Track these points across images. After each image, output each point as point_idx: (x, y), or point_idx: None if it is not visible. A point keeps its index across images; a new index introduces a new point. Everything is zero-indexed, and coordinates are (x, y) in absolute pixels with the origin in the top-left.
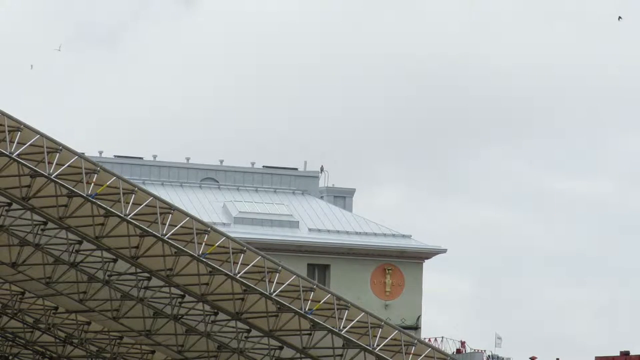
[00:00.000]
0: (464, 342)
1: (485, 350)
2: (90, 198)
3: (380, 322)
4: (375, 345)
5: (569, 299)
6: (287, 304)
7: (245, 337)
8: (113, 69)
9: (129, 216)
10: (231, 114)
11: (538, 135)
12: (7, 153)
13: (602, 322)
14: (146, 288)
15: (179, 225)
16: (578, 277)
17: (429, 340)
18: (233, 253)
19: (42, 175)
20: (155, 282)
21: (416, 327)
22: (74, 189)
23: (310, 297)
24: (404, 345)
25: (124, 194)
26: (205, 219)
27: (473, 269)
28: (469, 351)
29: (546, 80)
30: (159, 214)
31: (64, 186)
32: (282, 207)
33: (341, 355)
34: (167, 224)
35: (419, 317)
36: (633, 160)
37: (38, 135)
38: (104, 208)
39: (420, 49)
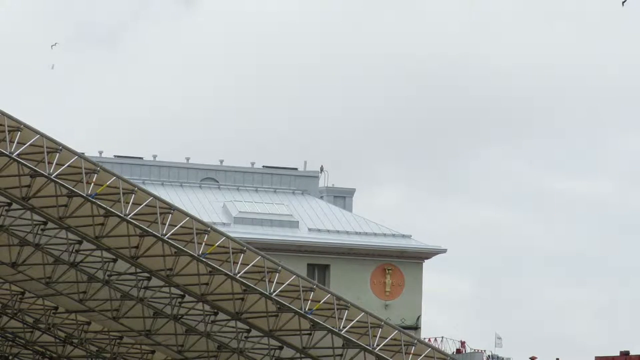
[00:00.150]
0: (464, 342)
1: (485, 350)
2: (90, 198)
3: (380, 322)
4: (375, 345)
5: (569, 299)
6: (287, 304)
7: (245, 337)
8: (113, 69)
9: (129, 216)
10: (231, 114)
11: (538, 135)
12: (7, 153)
13: (602, 322)
14: (146, 288)
15: (179, 225)
16: (578, 277)
17: (429, 340)
18: (233, 253)
19: (42, 175)
20: (155, 282)
21: (416, 327)
22: (74, 189)
23: (310, 297)
24: (404, 345)
25: (124, 194)
26: (205, 219)
27: (473, 269)
28: (469, 351)
29: (546, 80)
30: (159, 214)
31: (64, 186)
32: (282, 207)
33: (341, 355)
34: (167, 224)
35: (419, 317)
36: (633, 160)
37: (38, 135)
38: (104, 208)
39: (420, 49)
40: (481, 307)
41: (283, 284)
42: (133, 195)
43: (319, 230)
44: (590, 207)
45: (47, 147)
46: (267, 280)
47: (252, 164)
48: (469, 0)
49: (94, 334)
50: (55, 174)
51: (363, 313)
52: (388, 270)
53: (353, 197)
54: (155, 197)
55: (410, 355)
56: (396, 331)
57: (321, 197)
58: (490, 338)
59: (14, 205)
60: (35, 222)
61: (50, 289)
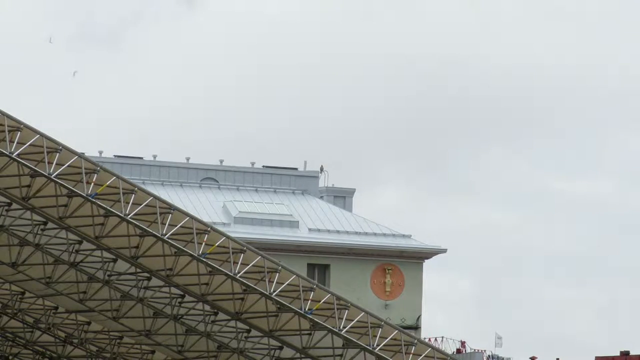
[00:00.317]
0: (464, 342)
1: (485, 350)
2: (90, 198)
3: (380, 322)
4: (375, 345)
5: (569, 299)
6: (287, 304)
7: (245, 337)
8: (113, 69)
9: (129, 216)
10: (231, 114)
11: (538, 135)
12: (7, 153)
13: (602, 322)
14: (146, 288)
15: (179, 225)
16: (578, 277)
17: (429, 340)
18: (233, 253)
19: (42, 175)
20: (155, 282)
21: (416, 327)
22: (74, 189)
23: (310, 297)
24: (404, 345)
25: (124, 194)
26: (205, 219)
27: (473, 269)
28: (469, 351)
29: (546, 80)
30: (159, 214)
31: (64, 186)
32: (282, 207)
33: (341, 355)
34: (167, 224)
35: (419, 317)
36: (633, 160)
37: (38, 135)
38: (104, 208)
39: (420, 49)
40: (481, 307)
41: (283, 284)
42: (133, 195)
43: (319, 230)
44: (590, 207)
45: (47, 147)
46: (267, 280)
47: (252, 164)
48: (469, 0)
49: (94, 334)
50: (55, 174)
51: (363, 313)
52: (388, 270)
53: (353, 197)
54: (155, 197)
55: (411, 355)
56: (396, 331)
57: (321, 197)
58: (490, 338)
59: (14, 205)
60: (35, 222)
61: (50, 289)
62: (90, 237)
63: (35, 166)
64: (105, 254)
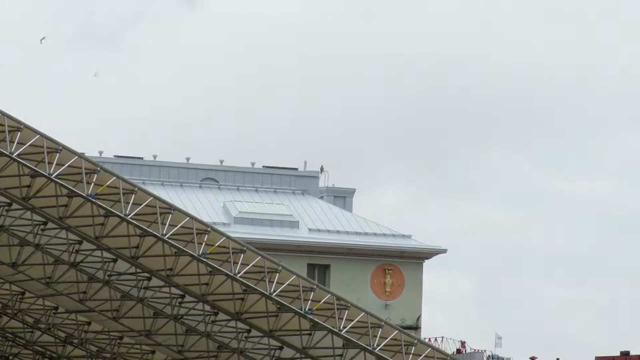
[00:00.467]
0: (464, 342)
1: (485, 350)
2: (90, 198)
3: (380, 322)
4: (375, 345)
5: (569, 299)
6: (287, 304)
7: (245, 337)
8: (113, 69)
9: (129, 216)
10: (231, 114)
11: (538, 135)
12: (7, 153)
13: (602, 322)
14: (146, 288)
15: (179, 225)
16: (578, 277)
17: (429, 340)
18: (233, 253)
19: (42, 175)
20: (155, 282)
21: (416, 327)
22: (74, 189)
23: (310, 297)
24: (404, 345)
25: (124, 194)
26: (205, 219)
27: (473, 269)
28: (469, 351)
29: (546, 80)
30: (159, 214)
31: (64, 186)
32: (282, 207)
33: (341, 355)
34: (167, 224)
35: (419, 317)
36: (633, 160)
37: (38, 135)
38: (104, 208)
39: (420, 49)
40: (481, 307)
41: (283, 284)
42: (133, 195)
43: (319, 230)
44: (590, 207)
45: (47, 147)
46: (267, 280)
47: (252, 164)
48: (469, 0)
49: (94, 334)
50: (56, 174)
51: (363, 313)
52: (388, 270)
53: (353, 197)
54: (156, 197)
55: (411, 355)
56: (396, 331)
57: (321, 197)
58: (490, 338)
59: (14, 206)
60: (35, 222)
61: (51, 289)
62: (91, 237)
63: (35, 166)
64: (106, 254)
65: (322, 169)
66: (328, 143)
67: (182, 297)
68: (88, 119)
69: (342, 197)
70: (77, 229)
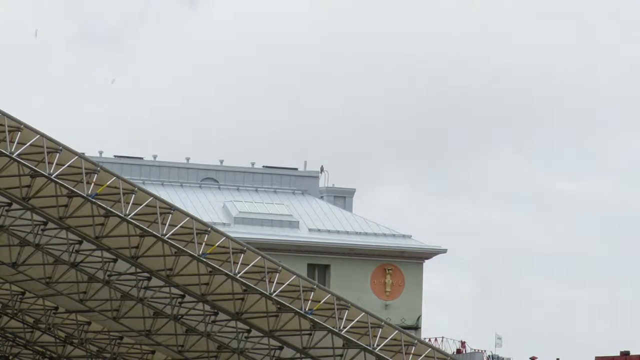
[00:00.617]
0: (464, 342)
1: (485, 350)
2: (90, 198)
3: (380, 322)
4: (375, 345)
5: (569, 299)
6: (287, 304)
7: (245, 337)
8: (114, 69)
9: (129, 216)
10: (231, 114)
11: (538, 135)
12: (7, 153)
13: (602, 322)
14: (146, 288)
15: (179, 225)
16: (578, 277)
17: (429, 340)
18: (233, 253)
19: (42, 175)
20: (155, 282)
21: (416, 327)
22: (74, 189)
23: (310, 297)
24: (404, 345)
25: (124, 194)
26: (205, 219)
27: (473, 269)
28: (469, 351)
29: (546, 80)
30: (159, 214)
31: (64, 186)
32: (282, 207)
33: (341, 355)
34: (167, 224)
35: (419, 317)
36: (633, 160)
37: (38, 135)
38: (104, 208)
39: (420, 49)
40: (481, 307)
41: (283, 284)
42: (133, 195)
43: (319, 230)
44: (590, 207)
45: (47, 147)
46: (267, 280)
47: (252, 164)
48: (469, 0)
49: (94, 334)
50: (56, 174)
51: (363, 313)
52: (388, 270)
53: (353, 197)
54: (156, 197)
55: (411, 356)
56: (396, 331)
57: (321, 197)
58: (490, 338)
59: (14, 206)
60: (35, 222)
61: (51, 289)
62: (91, 237)
63: (35, 166)
64: (106, 254)
65: (322, 169)
66: (328, 143)
67: (182, 297)
68: (88, 119)
69: (342, 197)
70: (77, 229)
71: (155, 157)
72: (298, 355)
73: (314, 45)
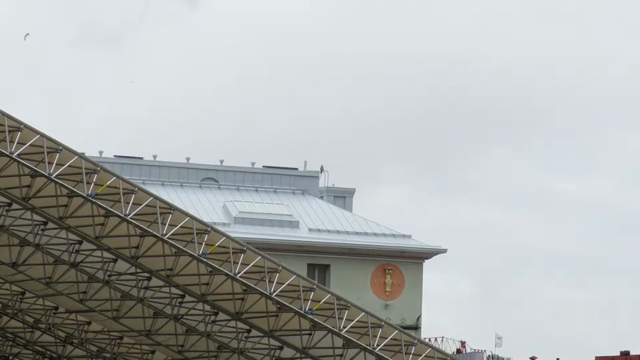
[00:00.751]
0: (464, 342)
1: (485, 350)
2: (90, 198)
3: (380, 322)
4: (375, 345)
5: (569, 299)
6: (287, 304)
7: (245, 337)
8: (114, 69)
9: (129, 216)
10: (231, 114)
11: (538, 135)
12: (7, 153)
13: (602, 322)
14: (146, 288)
15: (179, 225)
16: (578, 277)
17: (429, 340)
18: (233, 253)
19: (42, 175)
20: (155, 282)
21: (416, 327)
22: (74, 189)
23: (310, 297)
24: (404, 345)
25: (124, 194)
26: (205, 219)
27: (473, 269)
28: (469, 351)
29: (546, 80)
30: (159, 214)
31: (64, 186)
32: (282, 207)
33: (341, 355)
34: (167, 224)
35: (419, 317)
36: (633, 160)
37: (38, 135)
38: (104, 208)
39: (420, 49)
40: (481, 307)
41: (283, 284)
42: (133, 195)
43: (319, 230)
44: (590, 207)
45: (47, 147)
46: (267, 280)
47: (252, 164)
48: (470, 0)
49: (94, 334)
50: (56, 174)
51: (363, 313)
52: (388, 270)
53: (353, 197)
54: (156, 197)
55: (411, 355)
56: (396, 331)
57: (321, 197)
58: (490, 338)
59: (14, 206)
60: (35, 222)
61: (51, 289)
62: (91, 237)
63: (35, 166)
64: (106, 254)
65: (322, 169)
66: (328, 143)
67: (182, 297)
68: (88, 119)
69: (342, 197)
70: (77, 229)
71: (155, 157)
72: (298, 355)
73: (314, 45)
